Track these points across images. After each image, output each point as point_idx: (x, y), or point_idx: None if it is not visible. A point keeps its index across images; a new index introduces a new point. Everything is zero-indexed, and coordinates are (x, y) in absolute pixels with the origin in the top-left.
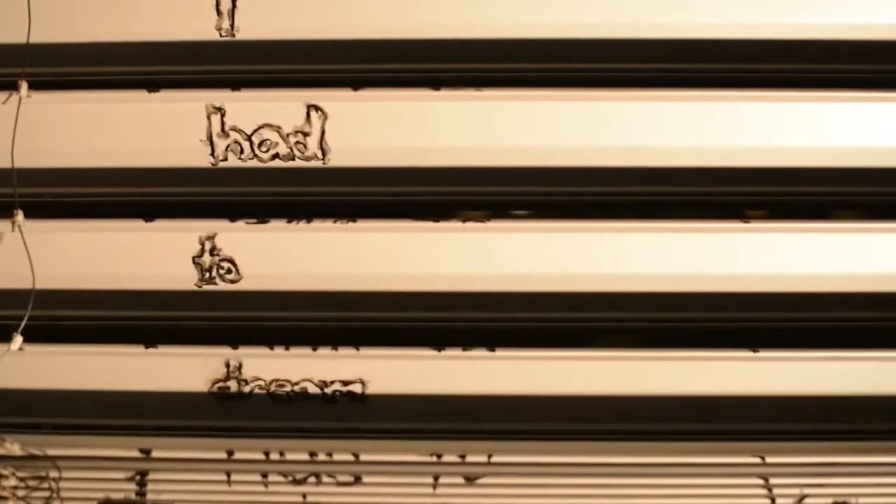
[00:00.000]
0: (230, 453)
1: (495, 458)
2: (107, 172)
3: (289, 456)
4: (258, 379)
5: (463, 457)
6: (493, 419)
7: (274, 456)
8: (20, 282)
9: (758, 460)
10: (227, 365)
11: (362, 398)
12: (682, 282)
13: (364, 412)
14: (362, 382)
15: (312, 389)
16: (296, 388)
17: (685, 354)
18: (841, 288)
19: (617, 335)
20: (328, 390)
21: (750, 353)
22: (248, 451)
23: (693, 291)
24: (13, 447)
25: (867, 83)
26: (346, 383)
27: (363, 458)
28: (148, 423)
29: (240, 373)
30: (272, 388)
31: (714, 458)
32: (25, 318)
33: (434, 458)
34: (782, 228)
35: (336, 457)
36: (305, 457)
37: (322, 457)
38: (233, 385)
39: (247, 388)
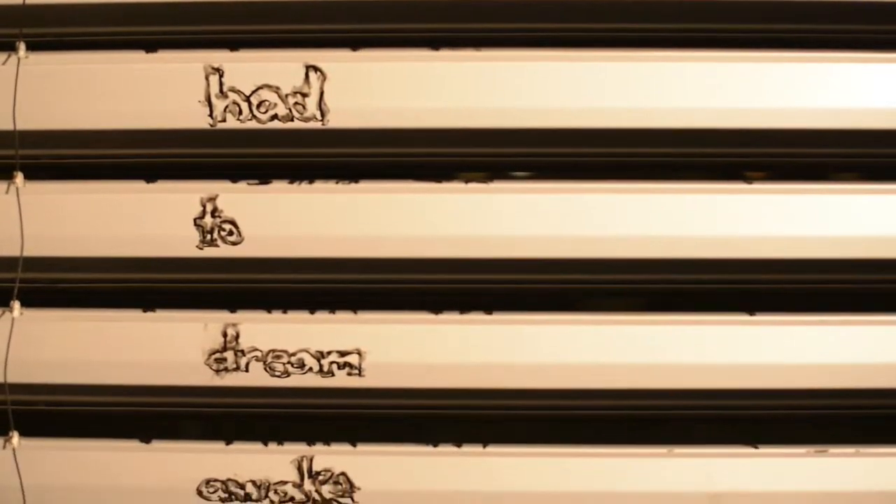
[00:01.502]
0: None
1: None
2: (105, 133)
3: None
4: (255, 350)
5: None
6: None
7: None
8: (19, 245)
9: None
10: (225, 334)
11: (359, 371)
12: (684, 243)
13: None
14: (359, 353)
15: (309, 361)
16: (292, 359)
17: (685, 318)
18: (841, 251)
19: (615, 298)
20: (324, 362)
21: (746, 317)
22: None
23: (694, 254)
24: None
25: (868, 44)
26: (342, 353)
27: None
28: (144, 410)
29: (237, 342)
30: (269, 359)
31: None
32: (17, 282)
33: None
34: (783, 190)
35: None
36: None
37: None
38: (229, 357)
39: (243, 361)
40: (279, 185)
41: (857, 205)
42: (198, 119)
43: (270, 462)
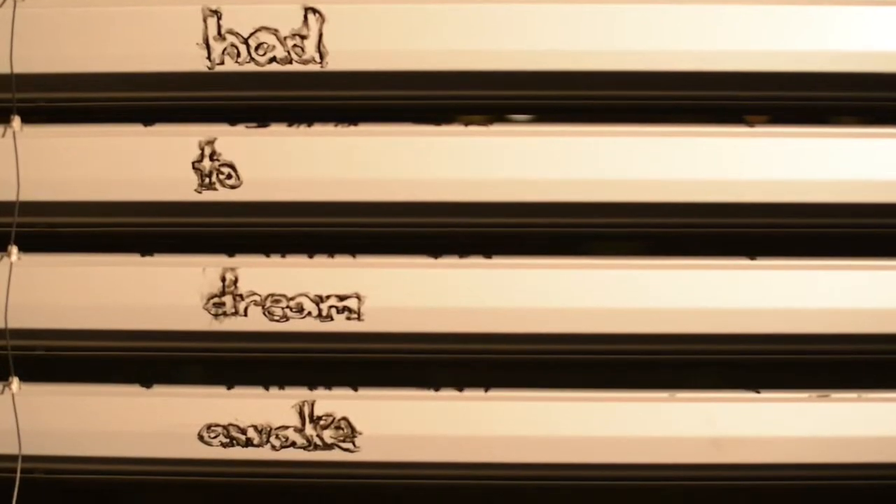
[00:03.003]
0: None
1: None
2: (103, 76)
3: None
4: (254, 294)
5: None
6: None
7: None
8: (15, 189)
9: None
10: (223, 279)
11: (358, 316)
12: (685, 187)
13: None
14: (358, 297)
15: (308, 305)
16: (291, 303)
17: (686, 262)
18: (842, 195)
19: (616, 242)
20: (323, 306)
21: (747, 261)
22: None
23: (695, 197)
24: None
25: None
26: (341, 298)
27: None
28: (144, 355)
29: (235, 287)
30: (267, 303)
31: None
32: (14, 227)
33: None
34: (785, 133)
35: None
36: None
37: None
38: (228, 301)
39: (242, 305)
40: (278, 128)
41: (859, 149)
42: (196, 62)
43: (272, 407)
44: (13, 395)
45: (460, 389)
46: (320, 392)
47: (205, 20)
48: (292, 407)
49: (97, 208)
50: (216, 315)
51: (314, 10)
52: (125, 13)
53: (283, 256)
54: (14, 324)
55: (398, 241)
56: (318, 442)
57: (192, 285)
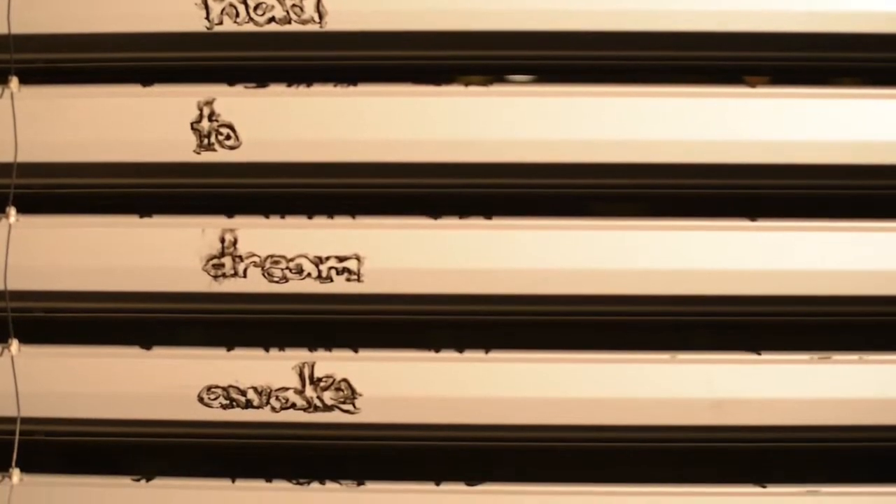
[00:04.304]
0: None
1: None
2: (101, 37)
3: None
4: (253, 255)
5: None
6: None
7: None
8: (13, 150)
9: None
10: (223, 240)
11: (358, 277)
12: (685, 148)
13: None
14: (358, 258)
15: (307, 267)
16: (291, 264)
17: (687, 224)
18: (845, 156)
19: (616, 203)
20: (323, 267)
21: (748, 222)
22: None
23: (696, 158)
24: None
25: None
26: (341, 259)
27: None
28: (144, 317)
29: (235, 248)
30: (267, 264)
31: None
32: (12, 188)
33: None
34: (787, 94)
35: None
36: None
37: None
38: (227, 262)
39: (241, 266)
40: (277, 89)
41: (860, 109)
42: (194, 22)
43: (272, 368)
44: (12, 357)
45: (460, 351)
46: (320, 353)
47: None
48: (292, 368)
49: (95, 169)
50: (215, 276)
51: None
52: None
53: (282, 217)
54: (13, 285)
55: (398, 202)
56: (319, 403)
57: (192, 246)
